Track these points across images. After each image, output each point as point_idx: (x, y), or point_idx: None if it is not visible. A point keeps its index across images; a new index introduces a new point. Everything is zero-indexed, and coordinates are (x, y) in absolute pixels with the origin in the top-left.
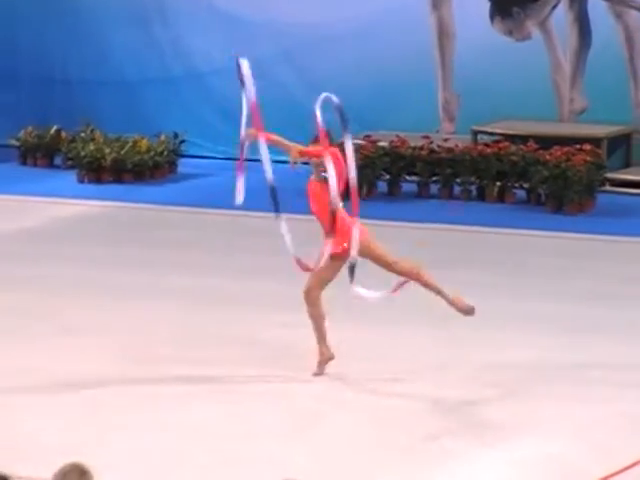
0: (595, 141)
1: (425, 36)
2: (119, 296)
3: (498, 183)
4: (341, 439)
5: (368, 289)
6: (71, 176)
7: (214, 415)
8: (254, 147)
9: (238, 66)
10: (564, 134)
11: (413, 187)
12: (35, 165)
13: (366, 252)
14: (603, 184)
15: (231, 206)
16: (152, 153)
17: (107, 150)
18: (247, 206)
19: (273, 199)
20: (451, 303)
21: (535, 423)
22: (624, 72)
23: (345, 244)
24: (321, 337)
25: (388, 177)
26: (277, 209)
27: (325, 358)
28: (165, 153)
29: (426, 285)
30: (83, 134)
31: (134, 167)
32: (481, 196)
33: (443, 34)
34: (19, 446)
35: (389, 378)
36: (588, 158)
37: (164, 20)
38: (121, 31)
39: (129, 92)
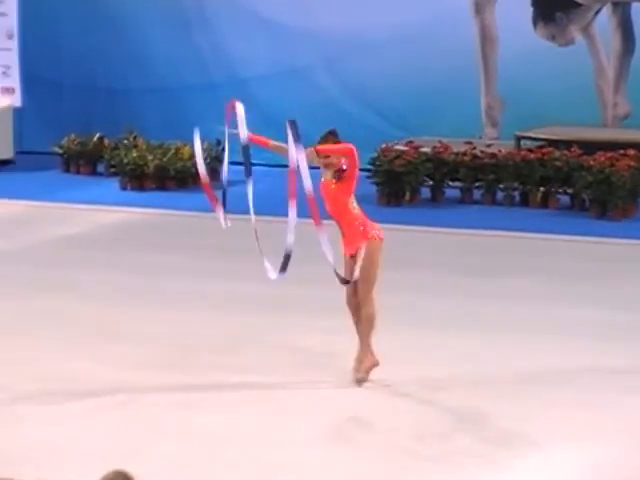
0: (639, 146)
1: (468, 42)
2: (161, 303)
3: (542, 189)
4: (380, 447)
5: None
6: (114, 183)
7: (256, 422)
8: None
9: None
10: (608, 139)
11: (456, 193)
12: (78, 173)
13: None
14: None
15: (271, 212)
16: (194, 160)
17: (150, 157)
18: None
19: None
20: (359, 360)
21: (571, 430)
22: None
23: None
24: (367, 343)
25: (431, 183)
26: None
27: (370, 364)
28: (208, 160)
29: (361, 335)
30: (126, 141)
31: (177, 174)
32: (524, 202)
33: (486, 39)
34: (59, 453)
35: (425, 385)
36: (632, 163)
37: (205, 27)
38: (163, 38)
39: (171, 99)
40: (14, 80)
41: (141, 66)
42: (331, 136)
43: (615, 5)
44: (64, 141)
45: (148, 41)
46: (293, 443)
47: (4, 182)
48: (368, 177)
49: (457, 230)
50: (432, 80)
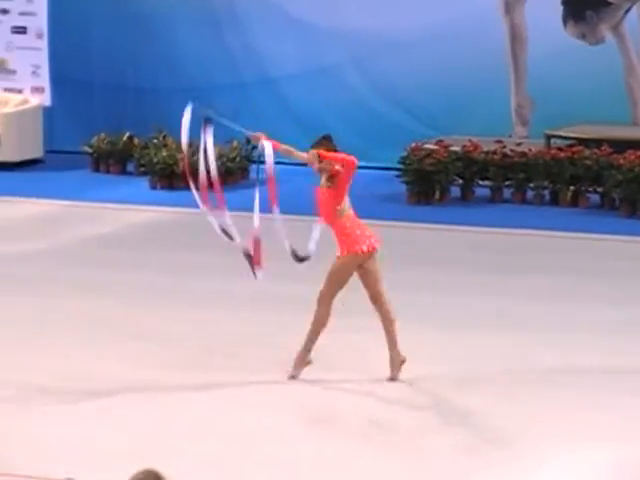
0: None
1: (498, 41)
2: (189, 302)
3: (572, 187)
4: (413, 444)
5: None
6: (144, 182)
7: (280, 421)
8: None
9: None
10: (638, 137)
11: (486, 192)
12: (108, 172)
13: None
14: None
15: (301, 212)
16: (224, 159)
17: (179, 156)
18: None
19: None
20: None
21: (602, 429)
22: None
23: (360, 246)
24: (308, 345)
25: (461, 182)
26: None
27: (305, 365)
28: (237, 159)
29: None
30: (155, 140)
31: (206, 173)
32: (554, 200)
33: (516, 39)
34: (89, 452)
35: (458, 382)
36: None
37: (235, 26)
38: (193, 38)
39: (201, 98)
40: (44, 79)
41: (171, 65)
42: (325, 141)
43: None
44: (94, 140)
45: (178, 41)
46: (320, 442)
47: (34, 181)
48: (398, 176)
49: (487, 229)
50: (462, 79)
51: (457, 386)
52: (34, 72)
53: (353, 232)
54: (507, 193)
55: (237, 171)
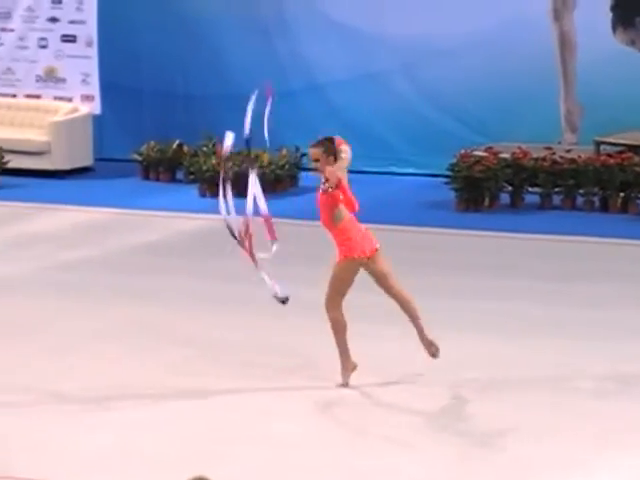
0: None
1: (547, 46)
2: (240, 310)
3: (621, 194)
4: (450, 450)
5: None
6: (193, 190)
7: (328, 428)
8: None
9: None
10: None
11: (535, 198)
12: (157, 179)
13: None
14: None
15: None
16: (273, 166)
17: (229, 164)
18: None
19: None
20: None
21: None
22: None
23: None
24: (341, 350)
25: (510, 189)
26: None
27: (350, 369)
28: (286, 166)
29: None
30: (205, 148)
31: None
32: (604, 207)
33: (565, 45)
34: (131, 459)
35: (504, 387)
36: None
37: (283, 33)
38: (241, 45)
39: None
40: (94, 88)
41: (220, 73)
42: (328, 143)
43: None
44: (143, 148)
45: (226, 48)
46: (369, 449)
47: (84, 189)
48: (447, 183)
49: (536, 236)
50: (511, 85)
51: (500, 390)
52: (84, 80)
53: (353, 237)
54: (556, 200)
55: (286, 179)
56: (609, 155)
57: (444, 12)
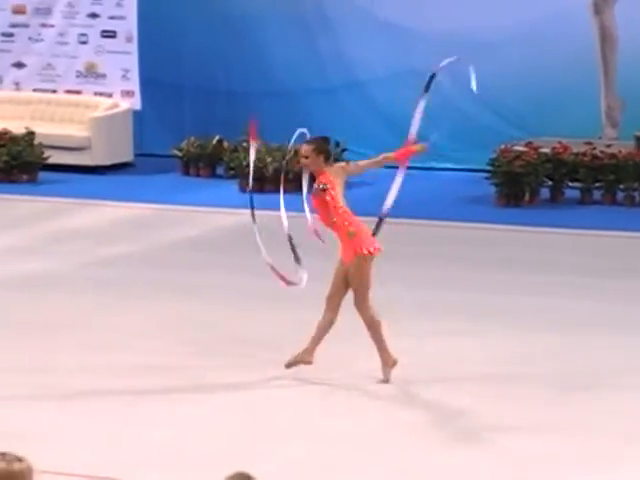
0: None
1: (587, 41)
2: (283, 304)
3: None
4: (517, 450)
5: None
6: (233, 185)
7: (377, 426)
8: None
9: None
10: None
11: (576, 193)
12: (197, 175)
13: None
14: None
15: (394, 215)
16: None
17: (269, 159)
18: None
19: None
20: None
21: None
22: None
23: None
24: (381, 347)
25: (550, 184)
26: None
27: (391, 364)
28: None
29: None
30: (245, 144)
31: (296, 176)
32: None
33: (605, 40)
34: (183, 456)
35: (569, 386)
36: None
37: (325, 29)
38: (283, 42)
39: (291, 101)
40: (134, 83)
41: (261, 69)
42: (321, 142)
43: None
44: (184, 144)
45: (269, 44)
46: (422, 447)
47: (124, 185)
48: (487, 178)
49: (577, 231)
50: (551, 80)
51: (565, 390)
52: (124, 76)
53: (359, 233)
54: (597, 195)
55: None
56: None
57: (483, 7)
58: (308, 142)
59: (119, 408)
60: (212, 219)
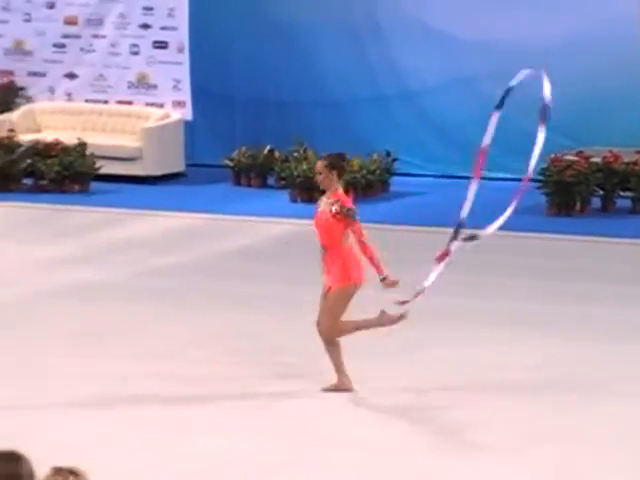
0: None
1: (637, 49)
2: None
3: None
4: (554, 463)
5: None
6: (284, 195)
7: (427, 437)
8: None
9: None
10: None
11: (627, 203)
12: (249, 185)
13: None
14: None
15: (442, 223)
16: (364, 172)
17: None
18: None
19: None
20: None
21: None
22: None
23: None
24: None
25: (602, 193)
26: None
27: (343, 388)
28: (377, 172)
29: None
30: (296, 154)
31: (346, 186)
32: None
33: None
34: (232, 465)
35: (598, 390)
36: None
37: (375, 39)
38: (333, 51)
39: (341, 112)
40: (185, 94)
41: (312, 79)
42: (332, 157)
43: None
44: (235, 154)
45: (319, 53)
46: (466, 453)
47: (176, 195)
48: (538, 187)
49: (629, 240)
50: (601, 89)
51: (593, 395)
52: (175, 86)
53: (354, 261)
54: None
55: (377, 184)
56: None
57: (533, 16)
58: (322, 158)
59: (167, 417)
60: (263, 229)
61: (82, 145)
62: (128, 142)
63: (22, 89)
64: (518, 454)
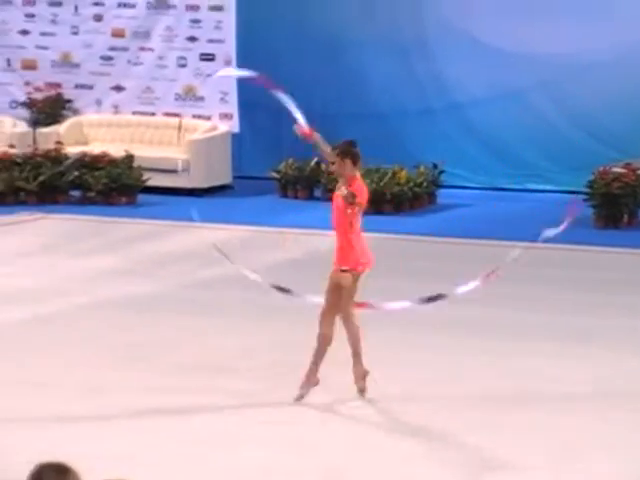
0: None
1: None
2: (365, 325)
3: None
4: (603, 477)
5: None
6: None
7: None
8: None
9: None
10: None
11: None
12: (295, 197)
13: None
14: None
15: (490, 236)
16: (411, 184)
17: (367, 181)
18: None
19: None
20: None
21: None
22: None
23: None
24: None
25: None
26: None
27: (313, 383)
28: (424, 184)
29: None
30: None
31: (393, 198)
32: None
33: None
34: (272, 476)
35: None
36: None
37: (423, 53)
38: (379, 64)
39: (388, 124)
40: (232, 106)
41: (358, 92)
42: (342, 145)
43: None
44: (281, 166)
45: (365, 66)
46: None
47: (224, 207)
48: (585, 200)
49: None
50: None
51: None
52: (222, 99)
53: (359, 247)
54: None
55: (424, 196)
56: None
57: (580, 30)
58: (333, 148)
59: (215, 430)
60: (310, 241)
61: (129, 157)
62: (175, 154)
63: (69, 102)
64: (567, 467)
